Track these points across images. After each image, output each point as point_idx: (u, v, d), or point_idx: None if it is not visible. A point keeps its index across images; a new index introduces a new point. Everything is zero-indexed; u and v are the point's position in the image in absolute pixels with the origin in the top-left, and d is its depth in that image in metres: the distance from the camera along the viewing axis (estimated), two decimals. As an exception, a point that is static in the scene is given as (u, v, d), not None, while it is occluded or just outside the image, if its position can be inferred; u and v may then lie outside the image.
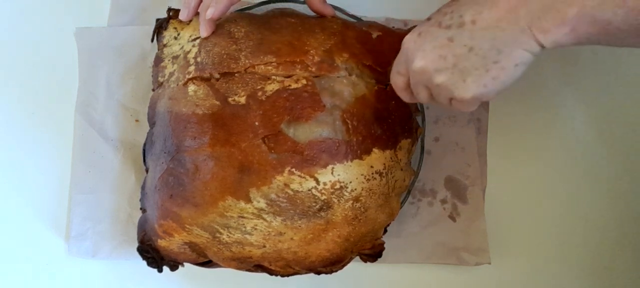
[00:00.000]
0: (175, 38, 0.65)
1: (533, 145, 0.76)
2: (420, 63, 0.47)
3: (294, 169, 0.57)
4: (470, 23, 0.44)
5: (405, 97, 0.55)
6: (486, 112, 0.76)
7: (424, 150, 0.70)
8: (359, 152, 0.59)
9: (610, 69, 0.76)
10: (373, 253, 0.63)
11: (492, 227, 0.74)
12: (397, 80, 0.54)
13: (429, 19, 0.49)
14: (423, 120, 0.70)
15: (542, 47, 0.43)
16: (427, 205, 0.74)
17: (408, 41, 0.49)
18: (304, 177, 0.58)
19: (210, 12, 0.58)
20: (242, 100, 0.59)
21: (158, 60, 0.65)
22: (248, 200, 0.58)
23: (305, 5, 0.70)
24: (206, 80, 0.61)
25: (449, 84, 0.46)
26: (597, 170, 0.76)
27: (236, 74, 0.60)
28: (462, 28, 0.44)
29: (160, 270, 0.64)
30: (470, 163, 0.75)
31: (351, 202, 0.59)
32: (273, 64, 0.60)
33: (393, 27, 0.69)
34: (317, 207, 0.58)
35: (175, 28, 0.65)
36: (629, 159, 0.76)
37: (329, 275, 0.64)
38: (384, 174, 0.60)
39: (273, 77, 0.60)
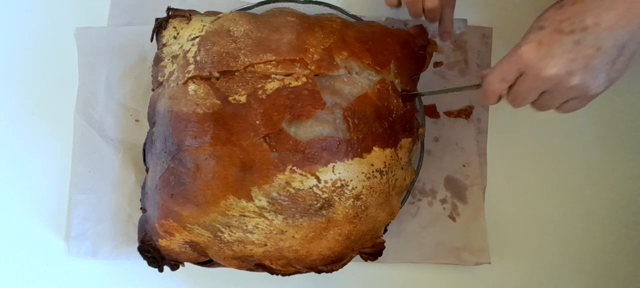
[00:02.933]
0: (175, 37, 0.65)
1: (533, 145, 0.76)
2: (553, 70, 0.50)
3: (295, 167, 0.58)
4: (593, 25, 0.48)
5: (493, 100, 0.57)
6: (486, 112, 0.76)
7: (424, 150, 0.70)
8: (359, 150, 0.59)
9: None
10: (373, 252, 0.63)
11: (492, 227, 0.74)
12: (499, 87, 0.55)
13: (541, 27, 0.51)
14: (423, 120, 0.70)
15: None
16: (427, 205, 0.75)
17: (529, 51, 0.51)
18: (305, 175, 0.58)
19: None
20: (243, 99, 0.59)
21: (157, 59, 0.65)
22: (250, 198, 0.58)
23: (305, 5, 0.71)
24: (206, 79, 0.61)
25: (583, 84, 0.51)
26: (597, 170, 0.76)
27: (236, 73, 0.60)
28: (586, 31, 0.48)
29: (161, 270, 0.64)
30: (470, 163, 0.75)
31: (352, 200, 0.59)
32: (272, 62, 0.60)
33: (393, 27, 0.69)
34: (319, 205, 0.58)
35: (175, 27, 0.65)
36: (628, 159, 0.76)
37: (328, 275, 0.64)
38: (384, 172, 0.61)
39: (273, 75, 0.60)
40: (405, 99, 0.63)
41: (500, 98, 0.56)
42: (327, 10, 0.71)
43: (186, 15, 0.66)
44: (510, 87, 0.55)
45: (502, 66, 0.54)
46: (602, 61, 0.49)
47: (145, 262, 0.64)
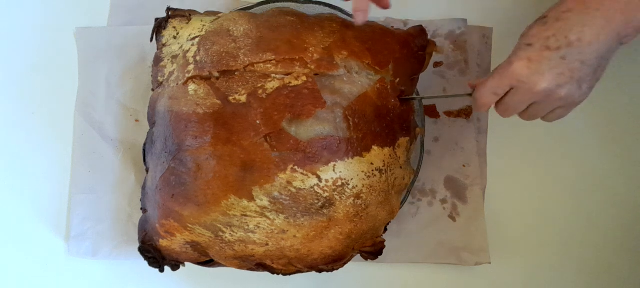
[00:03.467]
0: (175, 37, 0.65)
1: (533, 145, 0.76)
2: (544, 85, 0.54)
3: (296, 167, 0.58)
4: (577, 41, 0.52)
5: (483, 111, 0.60)
6: (486, 113, 0.76)
7: (424, 150, 0.70)
8: (359, 149, 0.59)
9: (611, 70, 0.76)
10: (374, 251, 0.63)
11: (492, 227, 0.74)
12: (490, 100, 0.58)
13: (529, 44, 0.54)
14: (423, 120, 0.70)
15: (621, 45, 0.55)
16: (427, 205, 0.74)
17: (520, 68, 0.54)
18: (306, 175, 0.58)
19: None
20: (243, 98, 0.59)
21: (157, 59, 0.65)
22: (251, 198, 0.58)
23: (305, 5, 0.71)
24: (206, 79, 0.61)
25: (570, 94, 0.54)
26: (597, 170, 0.76)
27: (236, 73, 0.60)
28: (571, 47, 0.52)
29: (161, 270, 0.64)
30: (470, 163, 0.75)
31: (353, 198, 0.59)
32: (272, 62, 0.60)
33: (392, 26, 0.69)
34: (320, 204, 0.58)
35: (175, 27, 0.66)
36: (628, 159, 0.76)
37: (329, 274, 0.64)
38: (383, 171, 0.61)
39: (273, 75, 0.60)
40: (401, 101, 0.63)
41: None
42: (327, 10, 0.71)
43: (186, 15, 0.66)
44: (500, 99, 0.58)
45: (493, 80, 0.56)
46: (586, 72, 0.54)
47: (145, 262, 0.64)
